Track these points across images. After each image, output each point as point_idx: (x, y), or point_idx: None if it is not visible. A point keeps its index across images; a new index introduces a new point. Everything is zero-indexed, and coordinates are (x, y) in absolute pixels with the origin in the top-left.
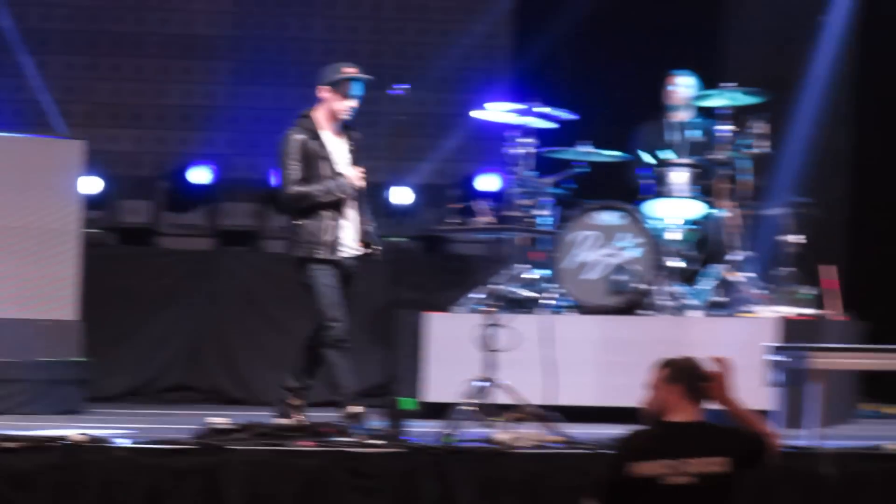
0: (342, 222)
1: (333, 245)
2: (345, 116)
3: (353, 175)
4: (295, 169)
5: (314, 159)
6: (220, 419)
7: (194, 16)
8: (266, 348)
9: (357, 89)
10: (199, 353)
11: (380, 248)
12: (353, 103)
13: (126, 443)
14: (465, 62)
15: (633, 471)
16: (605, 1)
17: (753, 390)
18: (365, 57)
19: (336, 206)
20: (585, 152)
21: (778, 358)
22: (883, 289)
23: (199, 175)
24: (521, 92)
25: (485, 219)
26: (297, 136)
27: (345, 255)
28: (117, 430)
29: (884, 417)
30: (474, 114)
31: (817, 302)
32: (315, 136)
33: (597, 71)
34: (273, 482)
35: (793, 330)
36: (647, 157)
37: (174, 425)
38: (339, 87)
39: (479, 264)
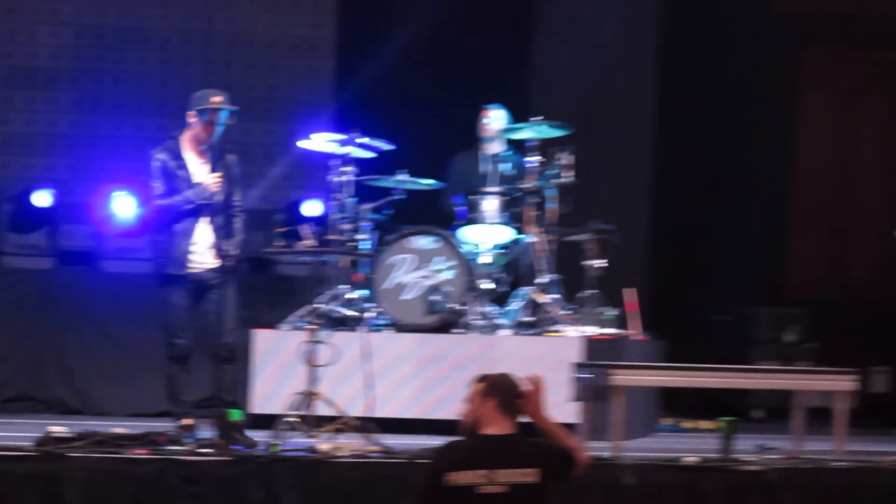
0: (194, 237)
1: (181, 260)
2: (208, 141)
3: (210, 181)
4: (156, 186)
5: (173, 178)
6: (59, 428)
7: (37, 48)
8: (103, 362)
9: (223, 117)
10: (40, 366)
11: (232, 260)
12: (216, 129)
13: None
14: (291, 95)
15: (450, 480)
16: (422, 37)
17: (559, 405)
18: (197, 89)
19: (188, 221)
20: (402, 180)
21: (581, 374)
22: (680, 310)
23: (41, 198)
24: (343, 123)
25: (308, 242)
26: (159, 156)
27: (195, 269)
28: None
29: (682, 431)
30: (300, 143)
31: (619, 322)
32: (177, 156)
33: (414, 104)
34: (110, 488)
35: (596, 348)
36: (458, 186)
37: (15, 433)
38: (204, 113)
39: (304, 285)
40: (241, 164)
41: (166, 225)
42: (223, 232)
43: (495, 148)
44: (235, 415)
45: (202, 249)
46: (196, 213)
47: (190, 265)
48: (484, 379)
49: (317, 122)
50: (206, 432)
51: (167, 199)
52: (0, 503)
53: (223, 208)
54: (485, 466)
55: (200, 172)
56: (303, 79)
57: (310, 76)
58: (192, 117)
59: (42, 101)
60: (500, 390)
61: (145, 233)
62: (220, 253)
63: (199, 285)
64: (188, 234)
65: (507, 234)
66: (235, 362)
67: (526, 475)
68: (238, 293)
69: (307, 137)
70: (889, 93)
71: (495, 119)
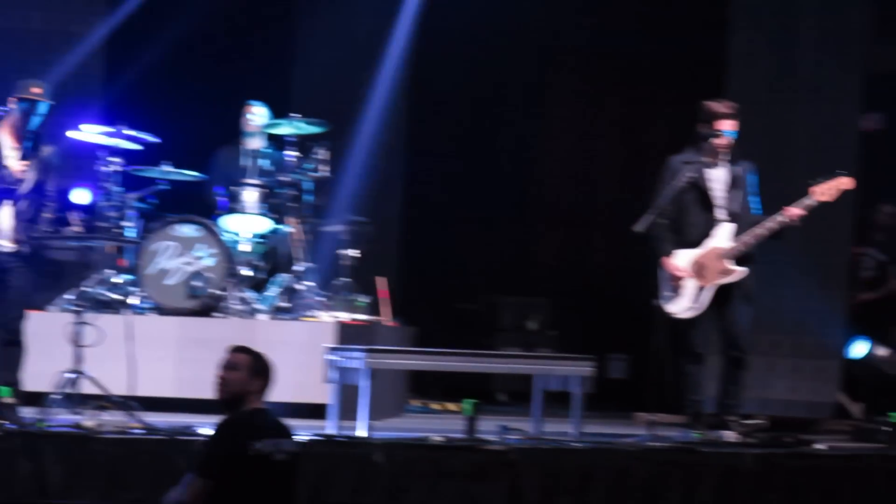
0: None
1: None
2: (23, 129)
3: (16, 168)
4: None
5: None
6: None
7: None
8: None
9: (41, 108)
10: None
11: (27, 246)
12: (32, 119)
13: None
14: (62, 88)
15: (252, 450)
16: (189, 34)
17: (314, 386)
18: None
19: None
20: (167, 171)
21: (335, 357)
22: (428, 298)
23: None
24: (112, 116)
25: (76, 228)
26: None
27: None
28: None
29: (431, 412)
30: (70, 134)
31: (371, 309)
32: None
33: (181, 99)
34: None
35: (348, 333)
36: (221, 178)
37: None
38: (22, 102)
39: (72, 269)
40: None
41: None
42: (25, 218)
43: (256, 143)
44: (4, 392)
45: (1, 232)
46: (4, 195)
47: None
48: (250, 353)
49: (87, 115)
50: None
51: None
52: None
53: (30, 196)
54: (273, 436)
55: (10, 158)
56: (74, 73)
57: (81, 70)
58: (11, 103)
59: None
60: (267, 373)
61: None
62: (17, 238)
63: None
64: None
65: (265, 224)
66: (19, 345)
67: (296, 445)
68: (31, 278)
69: (77, 128)
70: (624, 96)
71: (257, 115)
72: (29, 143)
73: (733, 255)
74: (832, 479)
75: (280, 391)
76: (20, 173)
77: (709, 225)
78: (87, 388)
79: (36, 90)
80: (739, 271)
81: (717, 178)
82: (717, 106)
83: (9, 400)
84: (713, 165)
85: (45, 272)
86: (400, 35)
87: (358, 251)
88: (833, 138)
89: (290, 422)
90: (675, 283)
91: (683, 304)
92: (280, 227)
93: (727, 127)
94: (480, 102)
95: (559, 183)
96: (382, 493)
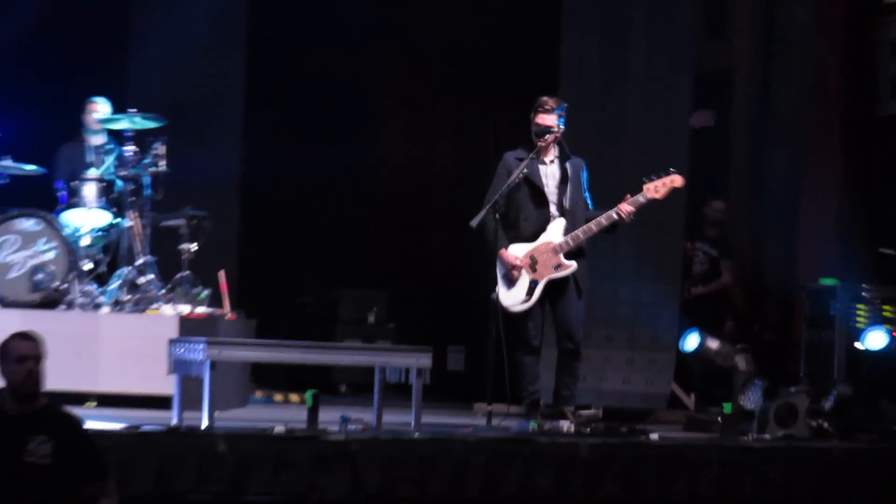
0: None
1: None
2: None
3: None
4: None
5: None
6: None
7: None
8: None
9: None
10: None
11: None
12: None
13: None
14: None
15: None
16: (27, 27)
17: (157, 378)
18: None
19: None
20: (6, 166)
21: (177, 349)
22: (270, 291)
23: None
24: None
25: None
26: None
27: None
28: None
29: (274, 404)
30: None
31: (212, 302)
32: None
33: (22, 92)
34: None
35: (189, 325)
36: (62, 173)
37: None
38: None
39: None
40: None
41: None
42: None
43: (99, 139)
44: None
45: None
46: None
47: None
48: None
49: None
50: None
51: None
52: None
53: None
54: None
55: None
56: None
57: None
58: None
59: None
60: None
61: None
62: None
63: None
64: None
65: (105, 218)
66: None
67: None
68: None
69: None
70: (461, 93)
71: (99, 111)
72: None
73: (565, 249)
74: (666, 467)
75: (124, 383)
76: None
77: (542, 220)
78: None
79: None
80: (571, 265)
81: (550, 175)
82: (545, 101)
83: None
84: (545, 162)
85: None
86: (236, 22)
87: (197, 245)
88: (665, 135)
89: (135, 413)
90: (510, 277)
91: (518, 298)
92: (120, 220)
93: (548, 122)
94: (318, 96)
95: (397, 178)
96: (226, 482)
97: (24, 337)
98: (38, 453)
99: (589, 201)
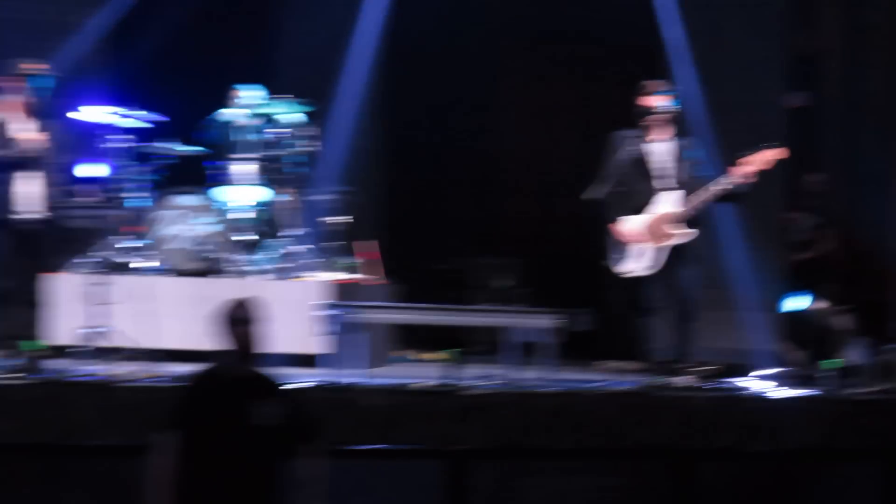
0: (17, 187)
1: (4, 206)
2: (28, 105)
3: (33, 139)
4: None
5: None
6: None
7: None
8: None
9: (48, 83)
10: None
11: (48, 211)
12: (33, 94)
13: None
14: (76, 73)
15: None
16: (188, 24)
17: (310, 338)
18: None
19: (9, 173)
20: (175, 147)
21: (331, 313)
22: (415, 258)
23: None
24: (116, 97)
25: (94, 199)
26: None
27: (18, 216)
28: None
29: (412, 362)
30: (71, 115)
31: (362, 269)
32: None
33: (185, 81)
34: None
35: (342, 291)
36: (220, 149)
37: None
38: (32, 78)
39: (88, 235)
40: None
41: None
42: (50, 187)
43: (255, 120)
44: (31, 346)
45: (26, 199)
46: (20, 166)
47: (9, 212)
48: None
49: (92, 95)
50: (13, 361)
51: None
52: None
53: (52, 167)
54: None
55: (24, 132)
56: (87, 58)
57: (80, 56)
58: (19, 81)
59: None
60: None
61: None
62: (44, 206)
63: (20, 231)
64: (12, 183)
65: (263, 193)
66: (38, 304)
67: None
68: (50, 243)
69: (90, 108)
70: (578, 81)
71: (253, 96)
72: (43, 117)
73: (682, 218)
74: (777, 418)
75: (278, 343)
76: (39, 145)
77: (653, 193)
78: (105, 341)
79: (41, 66)
80: (687, 233)
81: (661, 151)
82: (651, 85)
83: (35, 353)
84: (655, 140)
85: (60, 238)
86: (373, 13)
87: (349, 217)
88: (761, 115)
89: (289, 370)
90: (622, 247)
91: (633, 265)
92: (277, 196)
93: (656, 103)
94: (450, 80)
95: (524, 157)
96: (376, 433)
97: (242, 302)
98: (262, 415)
99: (704, 172)
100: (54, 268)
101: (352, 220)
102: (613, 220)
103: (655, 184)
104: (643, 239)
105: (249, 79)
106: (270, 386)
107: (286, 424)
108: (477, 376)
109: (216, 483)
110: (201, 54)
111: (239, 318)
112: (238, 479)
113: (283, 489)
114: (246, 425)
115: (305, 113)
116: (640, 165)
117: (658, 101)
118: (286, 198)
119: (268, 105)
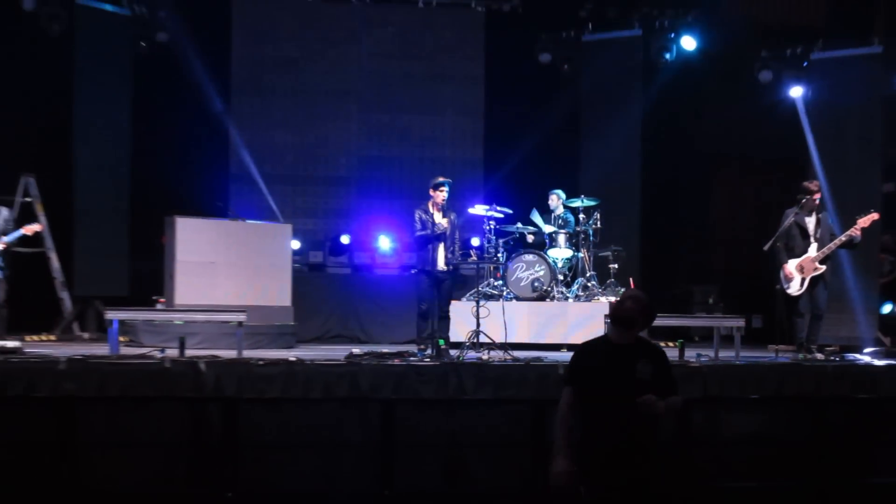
0: (437, 252)
1: (432, 262)
2: (441, 202)
3: (443, 224)
4: (418, 226)
5: (426, 222)
6: (356, 349)
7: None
8: (376, 316)
9: (447, 190)
10: (345, 318)
11: (452, 267)
12: (443, 196)
13: None
14: (461, 180)
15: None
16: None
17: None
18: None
19: (434, 244)
20: (520, 227)
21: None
22: (661, 286)
23: (344, 239)
24: (490, 196)
25: (473, 258)
26: (420, 212)
27: (436, 269)
28: None
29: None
30: (470, 210)
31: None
32: (426, 211)
33: (527, 188)
34: (381, 379)
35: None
36: (546, 228)
37: (333, 353)
38: (436, 187)
39: (472, 278)
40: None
41: (425, 244)
42: (450, 251)
43: (560, 210)
44: (441, 342)
45: (439, 259)
46: (437, 239)
47: (434, 266)
48: (644, 297)
49: (474, 197)
50: (428, 351)
51: (425, 231)
52: (328, 387)
53: (451, 240)
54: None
55: (439, 218)
56: (464, 165)
57: (469, 167)
58: (433, 191)
59: (335, 193)
60: (651, 315)
61: (408, 251)
62: (447, 262)
63: (437, 278)
64: (435, 250)
65: (570, 253)
66: (448, 318)
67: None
68: (452, 284)
69: (470, 206)
70: (757, 180)
71: (559, 196)
72: (445, 210)
73: (819, 258)
74: (878, 378)
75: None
76: (444, 227)
77: (806, 245)
78: (482, 338)
79: (442, 179)
80: (822, 268)
81: (810, 221)
82: (810, 185)
83: (443, 347)
84: (808, 214)
85: (457, 281)
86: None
87: (615, 265)
88: (865, 198)
89: (541, 353)
90: (787, 277)
91: (794, 287)
92: (577, 253)
93: (816, 195)
94: (685, 175)
95: (729, 221)
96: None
97: (630, 293)
98: (643, 372)
99: (832, 232)
100: (455, 298)
101: (617, 267)
102: (782, 262)
103: (809, 240)
104: (799, 272)
105: (557, 183)
106: (648, 349)
107: (657, 379)
108: (696, 356)
109: (608, 419)
110: (536, 167)
111: (626, 303)
112: (624, 418)
113: (654, 425)
114: (630, 379)
115: (592, 205)
116: (799, 229)
117: (811, 188)
118: (583, 255)
119: (571, 201)
